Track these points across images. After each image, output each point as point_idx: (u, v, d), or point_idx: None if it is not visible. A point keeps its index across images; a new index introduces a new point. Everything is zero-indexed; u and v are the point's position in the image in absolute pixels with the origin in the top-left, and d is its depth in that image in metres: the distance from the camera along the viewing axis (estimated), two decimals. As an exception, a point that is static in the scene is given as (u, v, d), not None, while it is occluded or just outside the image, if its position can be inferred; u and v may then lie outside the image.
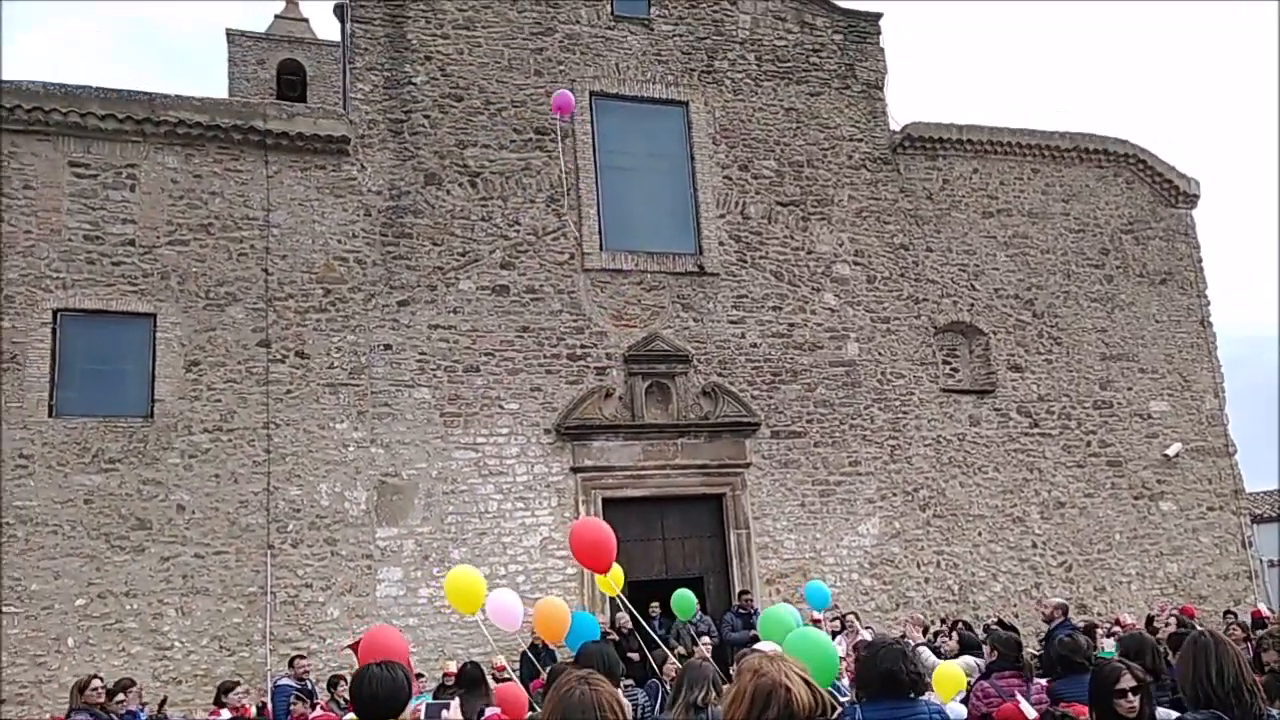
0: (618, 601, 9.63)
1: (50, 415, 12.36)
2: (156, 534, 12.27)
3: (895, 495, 15.09)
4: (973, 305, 16.33)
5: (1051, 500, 15.81)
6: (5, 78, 13.38)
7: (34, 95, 13.25)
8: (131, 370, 12.91)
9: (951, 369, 16.18)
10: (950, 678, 6.19)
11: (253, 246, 13.57)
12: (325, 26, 23.62)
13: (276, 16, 23.16)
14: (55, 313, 12.72)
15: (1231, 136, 70.66)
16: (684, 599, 10.23)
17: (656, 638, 9.34)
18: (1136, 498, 16.33)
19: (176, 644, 12.03)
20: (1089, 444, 16.26)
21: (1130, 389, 16.79)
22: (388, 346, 13.62)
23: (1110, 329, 16.97)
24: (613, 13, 16.01)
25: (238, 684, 10.46)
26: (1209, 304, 17.80)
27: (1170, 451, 16.56)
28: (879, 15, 17.52)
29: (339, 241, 13.88)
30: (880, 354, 15.62)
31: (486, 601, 6.75)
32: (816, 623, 12.52)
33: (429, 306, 13.94)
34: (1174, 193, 18.14)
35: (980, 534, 15.33)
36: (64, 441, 12.29)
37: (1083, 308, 16.93)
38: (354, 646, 11.05)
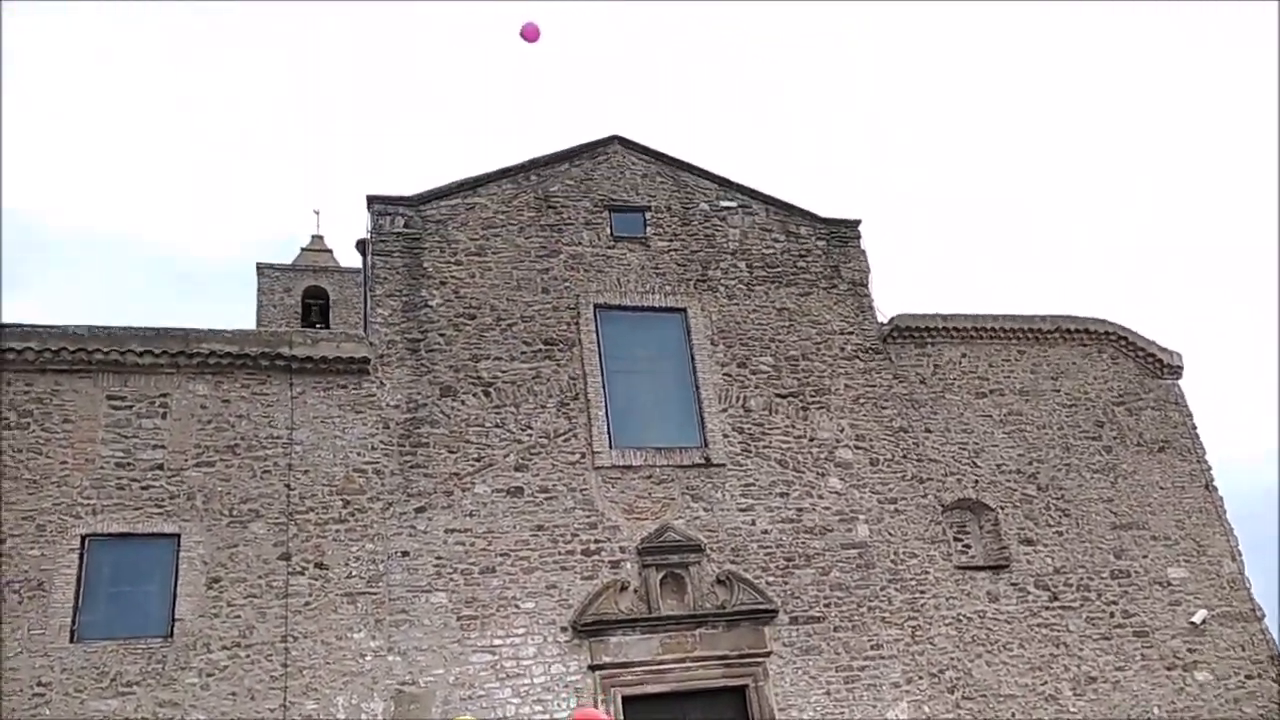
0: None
1: (71, 640, 11.67)
2: (169, 758, 11.25)
3: (921, 678, 13.85)
4: (977, 482, 15.60)
5: (1082, 675, 14.48)
6: (52, 323, 13.47)
7: (79, 337, 13.33)
8: (154, 591, 12.31)
9: (964, 546, 15.27)
10: None
11: (276, 464, 13.23)
12: (347, 255, 24.45)
13: (303, 249, 24.00)
14: (84, 538, 12.29)
15: (1211, 298, 70.82)
16: None
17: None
18: (1169, 669, 14.94)
19: None
20: (1112, 615, 15.06)
21: (1145, 557, 15.73)
22: (405, 553, 12.99)
23: (1116, 498, 16.10)
24: (612, 234, 16.29)
25: None
26: (1210, 469, 16.95)
27: (1196, 619, 15.29)
28: (858, 221, 17.78)
29: (359, 454, 13.54)
30: (891, 534, 14.78)
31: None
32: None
33: (445, 511, 13.39)
34: (1158, 365, 17.69)
35: (1013, 714, 13.94)
36: (83, 667, 11.53)
37: (1086, 479, 16.14)
38: None
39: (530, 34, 12.88)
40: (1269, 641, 15.71)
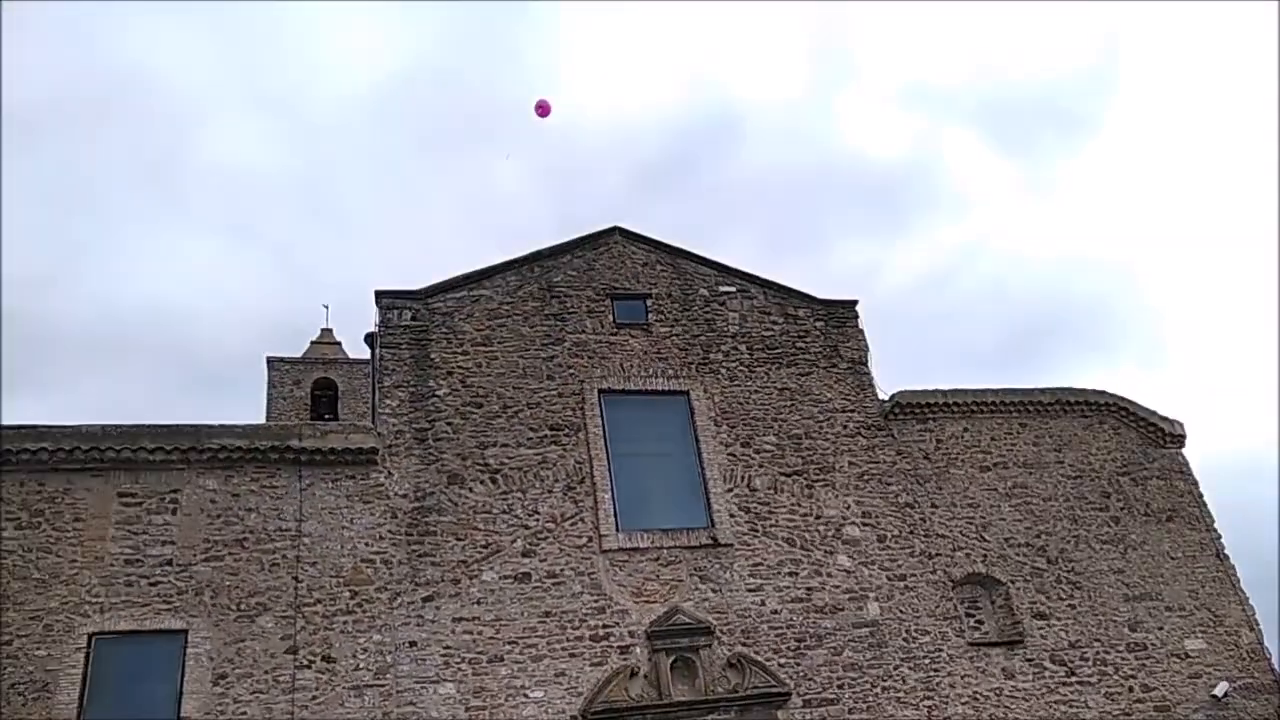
0: None
1: (75, 741, 11.36)
2: None
3: (941, 760, 13.37)
4: (986, 556, 15.34)
5: (1105, 753, 13.97)
6: (65, 423, 13.49)
7: (92, 436, 13.35)
8: (160, 689, 12.04)
9: (976, 621, 14.94)
10: None
11: (284, 556, 13.10)
12: (355, 347, 24.74)
13: (312, 342, 24.24)
14: (90, 637, 12.09)
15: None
16: None
17: None
18: (1195, 744, 14.41)
19: None
20: (1131, 689, 14.64)
21: (1161, 629, 15.35)
22: (413, 643, 12.74)
23: (1128, 569, 15.79)
24: (614, 321, 16.39)
25: None
26: (1220, 537, 16.65)
27: (1218, 692, 14.83)
28: (855, 302, 17.89)
29: (366, 544, 13.40)
30: (902, 612, 14.47)
31: None
32: None
33: (453, 600, 13.19)
34: (1160, 435, 17.56)
35: (1037, 796, 13.41)
36: (87, 768, 11.20)
37: (1096, 550, 15.86)
38: None
39: (543, 110, 13.50)
40: (1294, 714, 15.20)
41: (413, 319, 15.61)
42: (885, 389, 16.77)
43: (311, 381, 22.28)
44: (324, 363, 23.05)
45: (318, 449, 13.94)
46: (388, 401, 14.74)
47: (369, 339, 16.01)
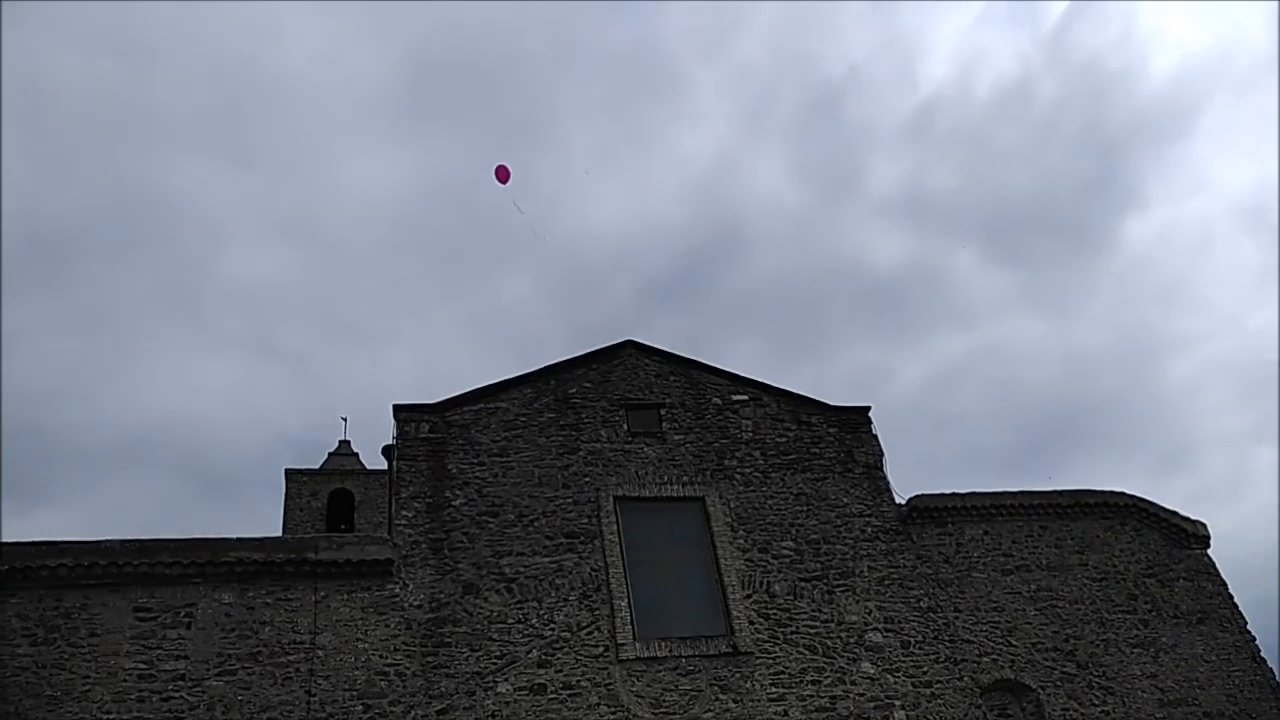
0: None
1: None
2: None
3: None
4: (1014, 661, 14.89)
5: None
6: (85, 538, 13.54)
7: (110, 551, 13.39)
8: (168, 808, 11.66)
9: (1007, 729, 14.34)
10: None
11: (297, 670, 12.89)
12: (372, 458, 24.82)
13: (330, 454, 24.35)
14: (100, 755, 11.79)
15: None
16: None
17: None
18: None
19: None
20: (1175, 799, 13.92)
21: (1201, 736, 14.69)
22: (426, 758, 12.35)
23: (1160, 674, 15.26)
24: (629, 430, 16.48)
25: None
26: (1255, 639, 16.10)
27: (1266, 802, 14.08)
28: (867, 408, 17.94)
29: (380, 656, 13.19)
30: (929, 720, 13.95)
31: None
32: None
33: (467, 713, 12.87)
34: (1183, 536, 17.22)
35: None
36: None
37: (1127, 654, 15.37)
38: None
39: (503, 175, 13.86)
40: (1350, 827, 14.38)
41: (430, 431, 15.76)
42: (901, 493, 16.67)
43: (329, 493, 22.38)
44: (341, 474, 23.19)
45: (334, 561, 13.88)
46: (404, 513, 14.75)
47: (386, 451, 16.14)
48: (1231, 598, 16.63)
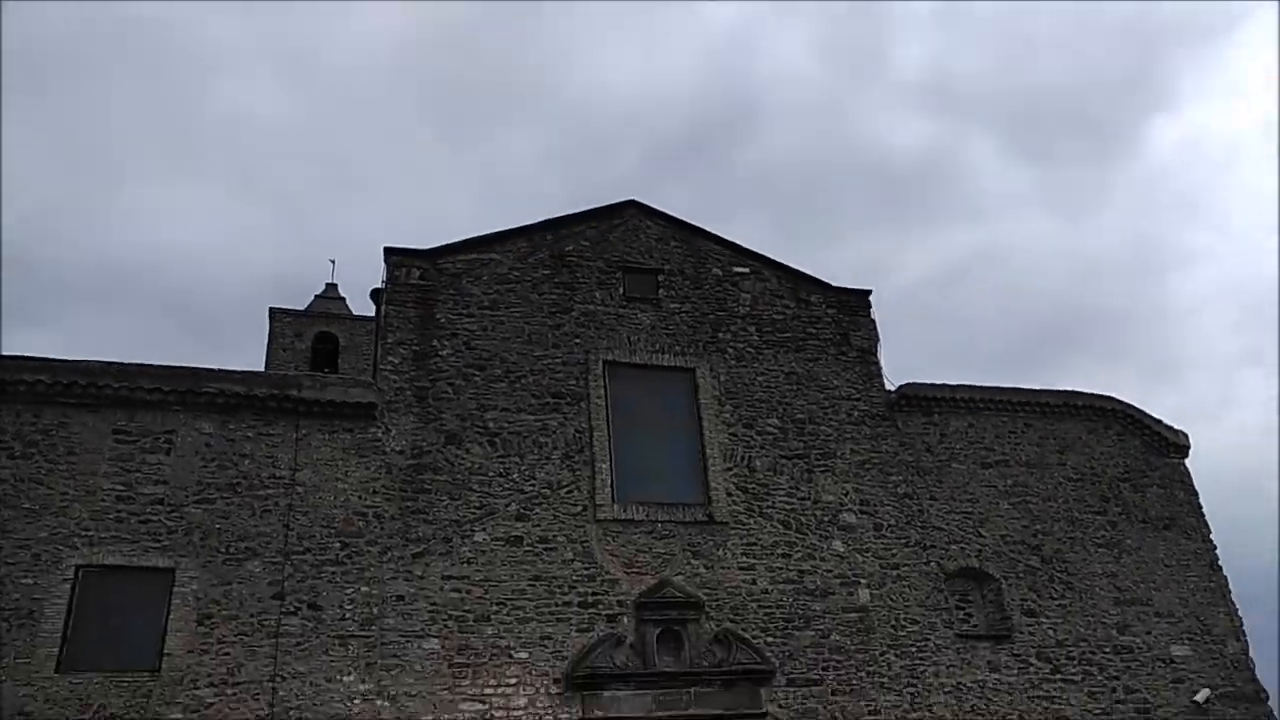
0: None
1: (57, 671, 11.40)
2: (148, 796, 10.85)
3: (920, 748, 13.36)
4: (981, 551, 15.31)
5: (1085, 752, 13.96)
6: (66, 356, 13.45)
7: (90, 371, 13.31)
8: (144, 624, 12.03)
9: (966, 614, 14.91)
10: None
11: (276, 503, 13.07)
12: (360, 304, 24.58)
13: (316, 296, 24.15)
14: (78, 569, 12.08)
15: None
16: None
17: None
18: (1175, 750, 14.40)
19: None
20: (1114, 690, 14.63)
21: (1149, 633, 15.33)
22: (400, 598, 12.72)
23: (1120, 574, 15.77)
24: (624, 294, 16.33)
25: None
26: (1215, 549, 16.61)
27: (1199, 698, 14.82)
28: (869, 292, 17.83)
29: (359, 498, 13.38)
30: (892, 600, 14.45)
31: None
32: None
33: (443, 558, 13.16)
34: (1164, 444, 17.50)
35: (1013, 789, 13.40)
36: (66, 698, 11.25)
37: (1090, 553, 15.83)
38: None
39: None
40: (1274, 725, 15.19)
41: (420, 278, 15.54)
42: (891, 380, 16.72)
43: (313, 335, 22.17)
44: (327, 317, 22.94)
45: (316, 400, 13.89)
46: (390, 359, 14.69)
47: (375, 295, 15.95)
48: (1200, 507, 17.05)
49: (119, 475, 12.78)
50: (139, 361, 13.84)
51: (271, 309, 22.16)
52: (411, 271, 15.59)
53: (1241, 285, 73.87)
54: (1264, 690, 15.35)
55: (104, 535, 12.34)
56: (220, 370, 13.97)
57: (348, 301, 24.23)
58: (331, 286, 24.26)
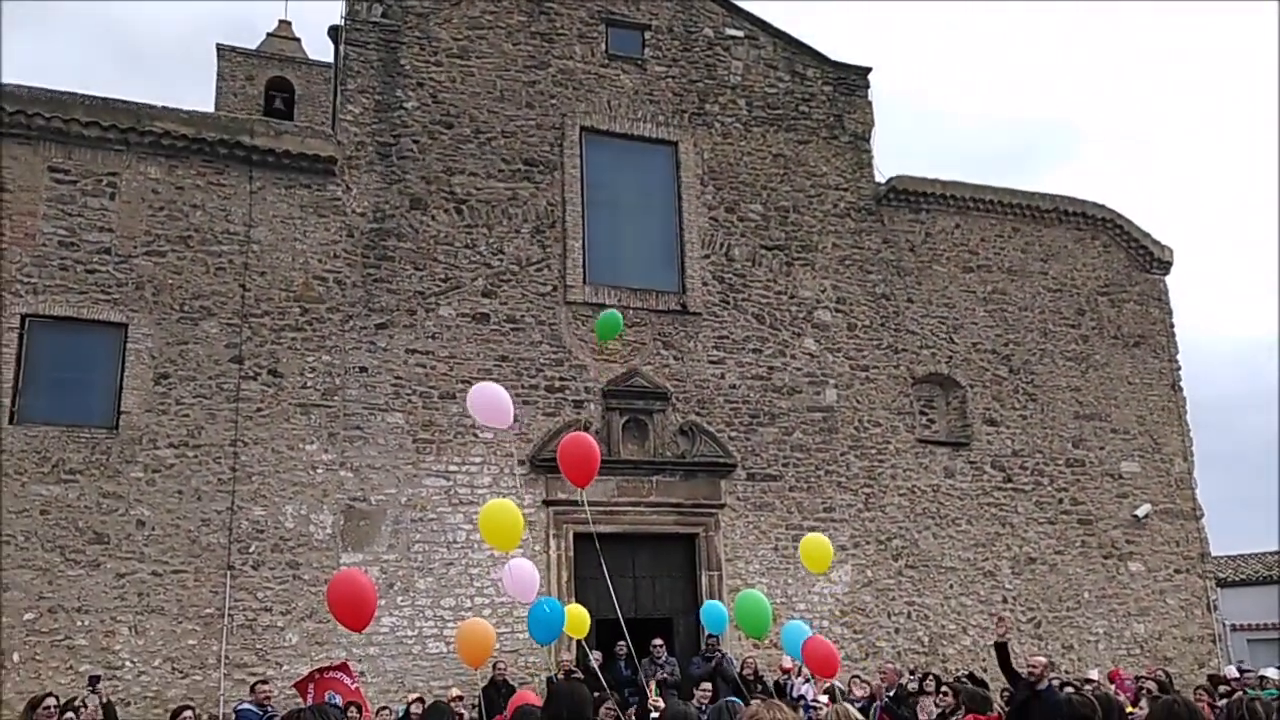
0: (583, 643, 9.37)
1: (11, 422, 11.87)
2: (114, 549, 11.76)
3: (868, 544, 14.82)
4: (951, 358, 16.21)
5: (1023, 556, 15.61)
6: (-11, 79, 12.97)
7: (17, 99, 12.89)
8: (99, 380, 12.46)
9: (928, 420, 16.03)
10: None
11: (231, 262, 13.20)
12: (317, 48, 23.41)
13: (268, 34, 22.98)
14: (24, 318, 12.27)
15: (1210, 203, 72.15)
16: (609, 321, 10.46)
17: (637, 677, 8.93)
18: (1106, 557, 16.15)
19: (127, 663, 11.48)
20: (1060, 501, 16.11)
21: (1102, 449, 16.69)
22: (363, 369, 13.25)
23: (1084, 388, 16.89)
24: (607, 51, 15.92)
25: (189, 708, 9.99)
26: (1180, 369, 17.77)
27: (1140, 513, 16.43)
28: (868, 70, 17.56)
29: (319, 261, 13.55)
30: (858, 402, 15.42)
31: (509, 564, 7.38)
32: (786, 672, 12.25)
33: (407, 331, 13.60)
34: (1149, 259, 18.19)
35: (951, 586, 15.07)
36: (23, 450, 11.78)
37: (1058, 366, 16.86)
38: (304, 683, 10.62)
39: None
40: (1203, 540, 16.98)
41: (383, 15, 14.92)
42: (882, 172, 16.90)
43: (266, 80, 21.03)
44: (280, 60, 21.69)
45: (271, 150, 13.69)
46: (350, 108, 14.38)
47: (333, 33, 15.30)
48: (1172, 326, 18.04)
49: (60, 219, 12.70)
50: (73, 91, 13.44)
51: (219, 45, 20.77)
52: (373, 7, 14.94)
53: None
54: (1200, 508, 17.01)
55: (49, 284, 12.43)
56: (164, 108, 13.59)
57: (303, 44, 22.95)
58: (285, 24, 22.68)
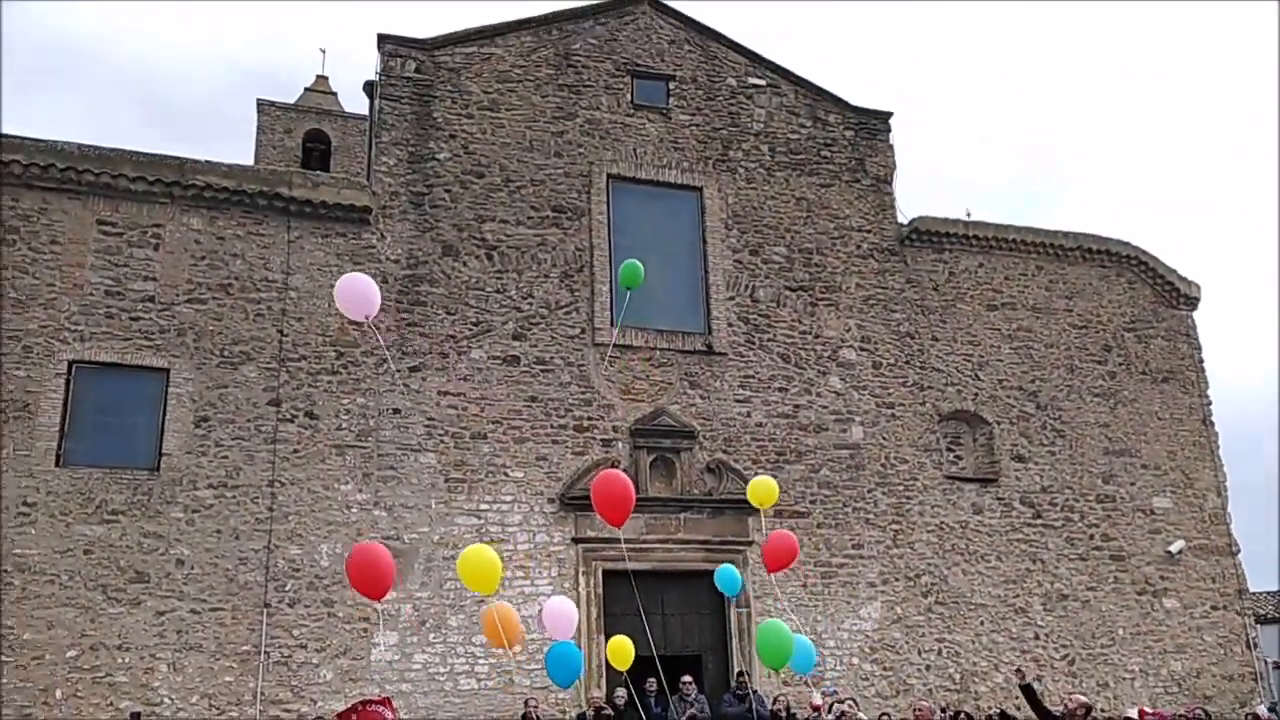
0: (620, 677, 9.41)
1: (57, 464, 12.20)
2: (154, 587, 11.99)
3: (897, 580, 14.74)
4: (977, 395, 16.20)
5: (1054, 592, 15.44)
6: (40, 136, 13.50)
7: (69, 156, 13.40)
8: (141, 423, 12.80)
9: (955, 456, 15.99)
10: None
11: (269, 308, 13.56)
12: (352, 100, 24.13)
13: (306, 89, 23.71)
14: (71, 364, 12.66)
15: (1233, 234, 71.47)
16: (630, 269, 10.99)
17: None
18: (1140, 593, 15.93)
19: (166, 700, 11.65)
20: (1092, 537, 15.95)
21: (1133, 484, 16.54)
22: (396, 411, 13.49)
23: (1113, 424, 16.79)
24: (633, 101, 16.28)
25: (225, 741, 10.11)
26: (1210, 404, 17.63)
27: (1174, 549, 16.21)
28: (889, 114, 17.80)
29: (355, 306, 13.82)
30: (885, 439, 15.44)
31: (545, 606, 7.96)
32: (816, 709, 12.17)
33: (439, 373, 13.85)
34: (1175, 295, 18.14)
35: (982, 623, 14.93)
36: (68, 491, 12.09)
37: (1085, 402, 16.78)
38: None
39: None
40: (1240, 576, 16.70)
41: (417, 70, 15.40)
42: (904, 213, 17.05)
43: (303, 132, 21.80)
44: (318, 113, 22.45)
45: (308, 200, 14.11)
46: (384, 159, 14.80)
47: (368, 88, 15.82)
48: (1201, 361, 17.92)
49: (107, 269, 13.15)
50: (120, 147, 13.94)
51: (259, 100, 21.59)
52: (407, 63, 15.44)
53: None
54: (1236, 544, 16.77)
55: (95, 331, 12.85)
56: (206, 162, 14.07)
57: (339, 98, 23.71)
58: (322, 79, 23.56)
